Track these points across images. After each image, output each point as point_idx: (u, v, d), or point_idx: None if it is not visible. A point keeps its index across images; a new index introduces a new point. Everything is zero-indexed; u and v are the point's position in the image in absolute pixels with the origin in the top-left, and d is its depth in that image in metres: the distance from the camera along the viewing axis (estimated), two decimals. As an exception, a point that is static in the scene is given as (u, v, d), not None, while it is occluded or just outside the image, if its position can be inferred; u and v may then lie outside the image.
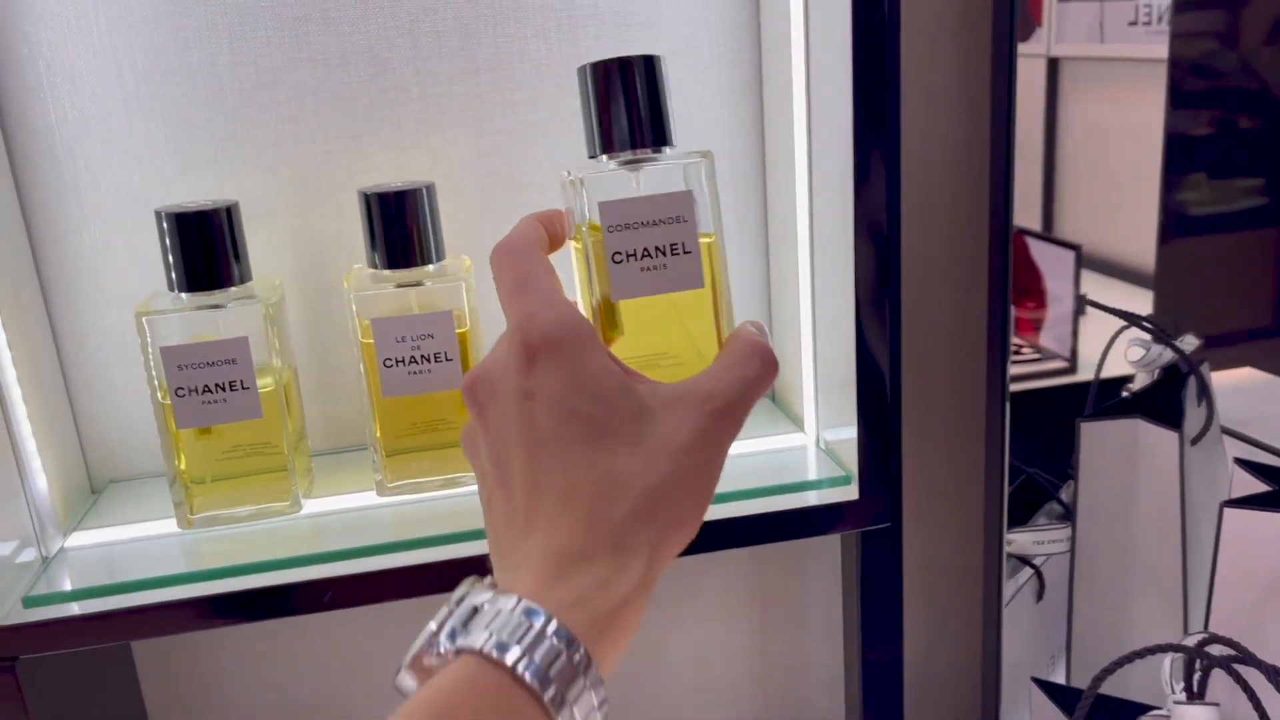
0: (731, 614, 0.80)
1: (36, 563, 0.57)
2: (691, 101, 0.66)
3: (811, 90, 0.59)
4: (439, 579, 0.55)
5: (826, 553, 0.79)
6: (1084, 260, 0.73)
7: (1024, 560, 0.78)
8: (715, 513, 0.58)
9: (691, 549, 0.59)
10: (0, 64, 0.59)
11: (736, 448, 0.63)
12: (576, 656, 0.33)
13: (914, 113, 0.70)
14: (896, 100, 0.53)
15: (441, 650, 0.33)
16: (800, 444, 0.65)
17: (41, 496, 0.58)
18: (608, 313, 0.45)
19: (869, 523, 0.60)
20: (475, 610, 0.34)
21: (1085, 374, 0.76)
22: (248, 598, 0.54)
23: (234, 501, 0.59)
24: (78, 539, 0.60)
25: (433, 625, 0.34)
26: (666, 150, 0.47)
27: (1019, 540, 0.76)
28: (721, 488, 0.58)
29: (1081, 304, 0.75)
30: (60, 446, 0.62)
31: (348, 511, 0.60)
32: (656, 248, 0.46)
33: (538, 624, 0.33)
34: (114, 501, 0.64)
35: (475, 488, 0.61)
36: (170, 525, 0.59)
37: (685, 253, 0.46)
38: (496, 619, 0.33)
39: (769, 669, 0.82)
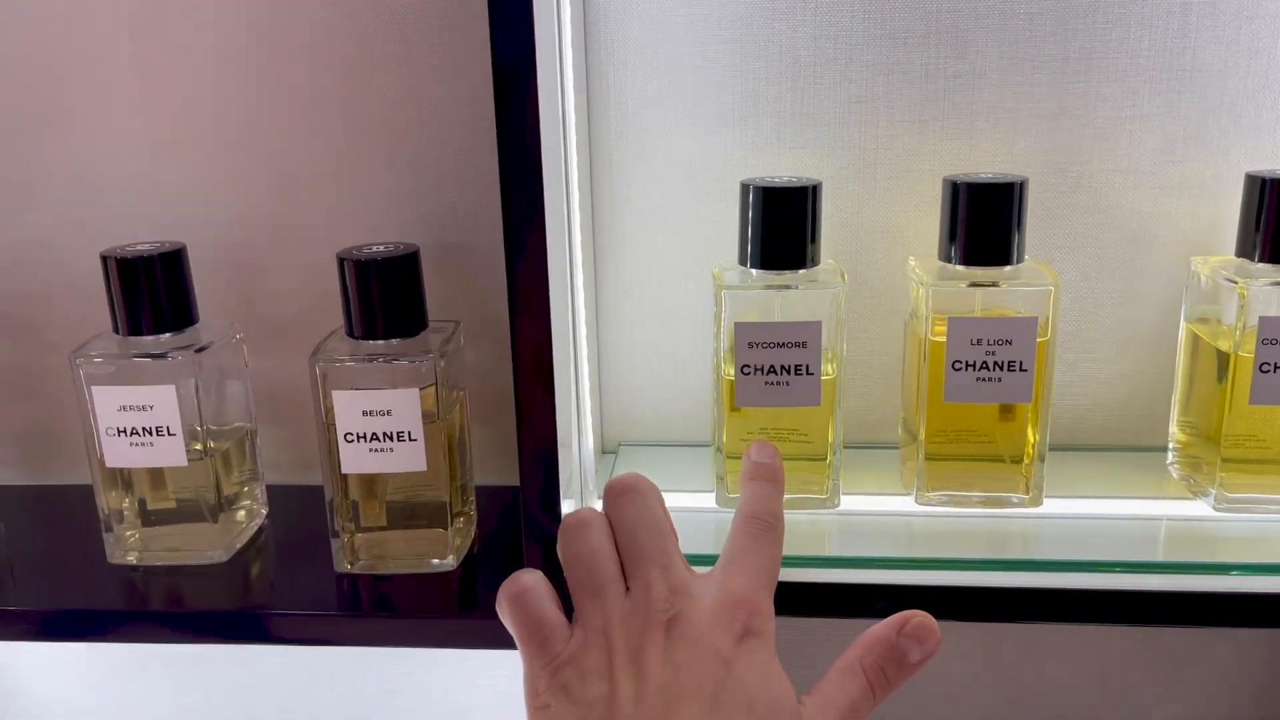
0: (1234, 692, 0.70)
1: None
2: None
3: None
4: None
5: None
6: None
7: None
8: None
9: (1216, 619, 0.51)
10: (589, 23, 0.60)
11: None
12: None
13: None
14: None
15: None
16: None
17: (588, 456, 0.59)
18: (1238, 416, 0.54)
19: None
20: None
21: None
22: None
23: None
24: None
25: None
26: None
27: None
28: None
29: None
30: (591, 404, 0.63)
31: (878, 514, 0.57)
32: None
33: None
34: (632, 466, 0.64)
35: (1014, 510, 0.57)
36: (701, 499, 0.59)
37: None
38: None
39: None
